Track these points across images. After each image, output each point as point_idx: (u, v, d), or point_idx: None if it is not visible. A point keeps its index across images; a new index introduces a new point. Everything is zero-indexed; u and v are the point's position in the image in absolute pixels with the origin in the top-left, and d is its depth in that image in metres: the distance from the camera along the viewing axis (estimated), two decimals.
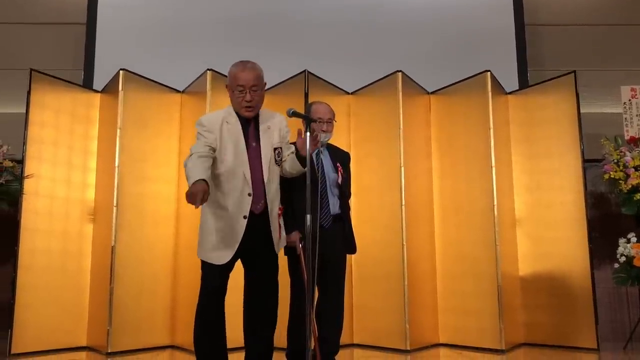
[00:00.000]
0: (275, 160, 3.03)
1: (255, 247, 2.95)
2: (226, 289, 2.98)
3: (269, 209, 2.95)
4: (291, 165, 3.04)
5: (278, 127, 3.09)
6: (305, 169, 2.89)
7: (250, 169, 2.94)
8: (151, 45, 5.53)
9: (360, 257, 4.19)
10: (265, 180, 2.95)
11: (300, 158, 2.95)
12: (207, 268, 2.95)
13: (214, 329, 2.97)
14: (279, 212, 3.02)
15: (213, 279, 2.93)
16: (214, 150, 2.92)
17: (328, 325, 3.35)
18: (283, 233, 3.10)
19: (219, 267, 2.91)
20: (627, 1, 5.93)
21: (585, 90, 5.13)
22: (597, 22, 5.86)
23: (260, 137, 3.02)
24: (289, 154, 3.09)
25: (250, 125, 3.03)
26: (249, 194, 2.90)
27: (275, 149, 3.04)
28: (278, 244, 3.04)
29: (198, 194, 2.64)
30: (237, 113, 3.04)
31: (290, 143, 3.15)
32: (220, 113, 3.07)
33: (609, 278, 4.75)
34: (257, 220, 2.94)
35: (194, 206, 2.65)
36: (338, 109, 3.81)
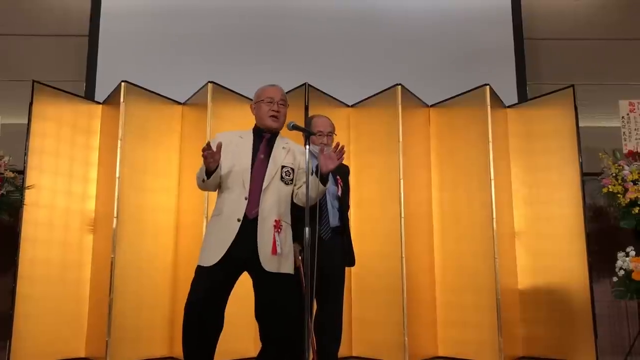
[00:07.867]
0: (282, 177, 3.01)
1: (244, 257, 2.88)
2: (215, 307, 2.88)
3: (259, 217, 2.92)
4: (311, 187, 2.90)
5: (294, 153, 3.10)
6: (326, 187, 2.95)
7: (252, 177, 2.97)
8: (153, 57, 5.57)
9: (359, 269, 4.19)
10: (263, 188, 2.95)
11: (321, 175, 2.91)
12: (195, 278, 2.92)
13: (197, 345, 2.88)
14: (274, 224, 2.94)
15: (197, 289, 2.88)
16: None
17: (327, 337, 3.36)
18: (287, 254, 2.97)
19: (205, 276, 2.87)
20: (626, 15, 5.95)
21: (583, 104, 5.14)
22: (596, 37, 5.89)
23: (272, 153, 3.04)
24: (302, 183, 3.03)
25: (262, 141, 3.07)
26: (245, 198, 2.92)
27: (283, 166, 3.03)
28: (272, 260, 2.88)
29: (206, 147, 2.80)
30: (256, 130, 3.11)
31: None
32: (238, 131, 3.18)
33: (608, 292, 4.73)
34: (250, 226, 2.91)
35: (214, 155, 2.80)
36: (338, 121, 3.83)
